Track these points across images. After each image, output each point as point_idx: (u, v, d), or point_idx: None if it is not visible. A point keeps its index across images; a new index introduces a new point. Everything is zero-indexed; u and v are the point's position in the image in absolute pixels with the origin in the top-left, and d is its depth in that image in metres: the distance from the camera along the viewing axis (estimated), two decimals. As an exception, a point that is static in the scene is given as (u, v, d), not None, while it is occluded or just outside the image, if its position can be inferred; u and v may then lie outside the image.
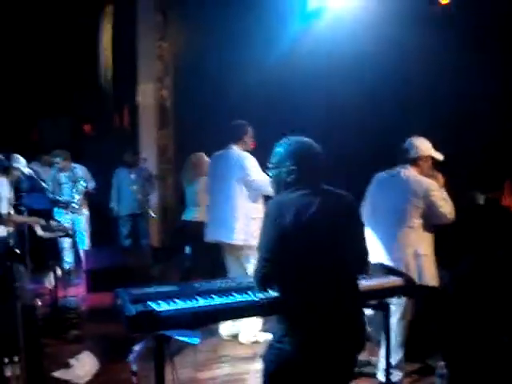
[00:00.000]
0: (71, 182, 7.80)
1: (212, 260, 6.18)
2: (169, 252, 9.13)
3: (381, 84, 7.04)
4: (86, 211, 8.10)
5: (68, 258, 7.87)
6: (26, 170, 6.01)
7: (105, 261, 7.38)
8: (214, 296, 2.99)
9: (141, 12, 9.32)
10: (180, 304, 2.88)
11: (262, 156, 4.75)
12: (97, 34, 9.19)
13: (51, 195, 7.60)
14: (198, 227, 5.86)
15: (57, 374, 4.71)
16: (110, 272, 7.20)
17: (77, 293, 7.10)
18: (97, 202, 8.37)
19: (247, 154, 5.08)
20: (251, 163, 5.00)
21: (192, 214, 6.30)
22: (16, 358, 4.55)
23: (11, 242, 5.69)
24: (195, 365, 4.78)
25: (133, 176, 8.47)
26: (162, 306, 2.82)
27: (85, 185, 7.73)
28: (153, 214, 8.71)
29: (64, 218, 7.47)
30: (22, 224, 6.03)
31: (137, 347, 3.29)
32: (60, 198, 7.66)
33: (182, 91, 9.55)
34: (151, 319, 2.75)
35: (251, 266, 4.96)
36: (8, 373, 4.41)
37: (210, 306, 2.91)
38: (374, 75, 7.10)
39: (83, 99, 9.21)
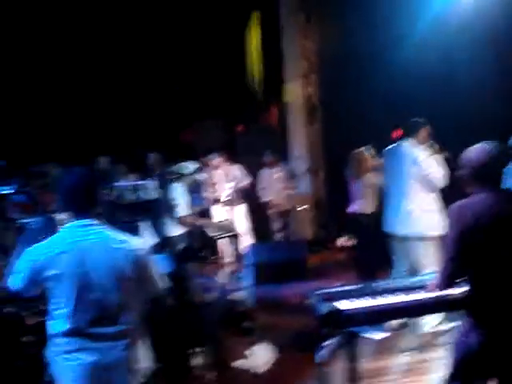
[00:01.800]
0: (224, 181, 8.19)
1: (376, 251, 6.34)
2: (323, 245, 9.42)
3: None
4: (242, 207, 8.46)
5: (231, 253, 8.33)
6: (196, 176, 6.58)
7: (265, 255, 7.78)
8: (397, 294, 3.16)
9: (285, 14, 9.64)
10: (364, 302, 3.09)
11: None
12: (245, 39, 9.63)
13: (208, 194, 8.11)
14: (364, 219, 6.27)
15: (236, 363, 5.12)
16: (271, 265, 7.60)
17: (244, 286, 7.52)
18: (251, 198, 8.73)
19: (421, 149, 5.30)
20: (425, 158, 5.20)
21: (358, 207, 6.47)
22: (199, 349, 5.06)
23: (186, 241, 6.27)
24: (374, 354, 4.85)
25: (275, 175, 8.77)
26: (349, 305, 3.04)
27: (241, 183, 8.07)
28: (301, 208, 8.98)
29: (222, 215, 7.91)
30: (195, 225, 6.60)
31: (327, 343, 3.53)
32: (216, 196, 8.09)
33: (327, 87, 9.75)
34: (338, 317, 2.99)
35: (422, 259, 5.19)
36: (193, 363, 4.90)
37: (396, 303, 3.10)
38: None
39: (234, 101, 9.73)
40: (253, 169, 8.79)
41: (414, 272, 5.28)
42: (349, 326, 3.02)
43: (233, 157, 8.70)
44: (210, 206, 8.15)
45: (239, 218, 8.26)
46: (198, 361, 4.85)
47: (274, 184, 8.88)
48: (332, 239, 9.45)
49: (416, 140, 5.39)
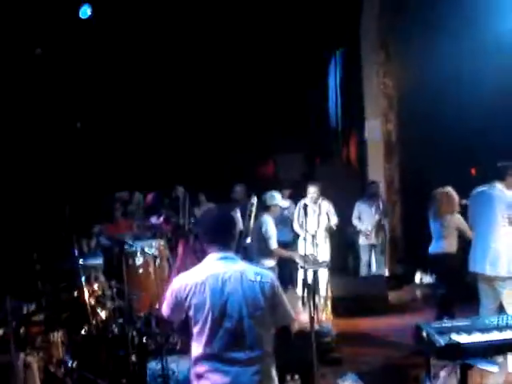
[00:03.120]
0: (316, 215, 8.29)
1: (459, 291, 6.43)
2: (400, 280, 9.47)
3: None
4: (328, 243, 8.53)
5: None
6: (283, 204, 6.83)
7: (347, 288, 7.94)
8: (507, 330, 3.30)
9: (365, 52, 9.93)
10: (479, 337, 3.24)
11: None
12: (327, 75, 9.97)
13: (295, 228, 8.28)
14: (447, 259, 6.35)
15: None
16: (352, 299, 7.75)
17: (325, 319, 7.66)
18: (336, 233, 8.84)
19: None
20: None
21: (439, 246, 6.54)
22: (296, 377, 5.24)
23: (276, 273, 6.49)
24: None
25: (374, 208, 8.95)
26: (465, 339, 3.20)
27: (331, 219, 8.21)
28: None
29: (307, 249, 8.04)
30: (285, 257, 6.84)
31: (442, 373, 3.67)
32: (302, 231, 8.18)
33: (406, 124, 9.92)
34: (457, 350, 3.14)
35: (507, 299, 5.30)
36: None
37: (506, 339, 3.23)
38: None
39: (314, 136, 10.02)
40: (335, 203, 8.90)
41: (501, 310, 5.40)
42: (466, 358, 3.16)
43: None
44: (295, 239, 8.29)
45: (324, 252, 8.20)
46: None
47: (369, 216, 9.01)
48: (409, 275, 9.50)
49: (505, 183, 5.52)
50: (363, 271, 9.07)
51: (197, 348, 2.95)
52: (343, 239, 9.43)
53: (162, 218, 7.46)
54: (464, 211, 6.39)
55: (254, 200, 7.28)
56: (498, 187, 5.55)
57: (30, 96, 8.13)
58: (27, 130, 8.13)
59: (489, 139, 8.46)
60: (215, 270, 2.97)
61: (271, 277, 3.05)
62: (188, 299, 2.92)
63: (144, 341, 5.48)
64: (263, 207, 6.93)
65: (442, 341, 3.17)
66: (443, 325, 3.45)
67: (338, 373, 5.66)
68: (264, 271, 3.07)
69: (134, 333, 5.24)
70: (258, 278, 2.97)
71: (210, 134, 10.23)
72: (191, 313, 2.94)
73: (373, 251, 9.10)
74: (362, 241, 9.12)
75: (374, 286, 8.18)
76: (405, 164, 10.13)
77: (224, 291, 2.91)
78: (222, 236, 3.07)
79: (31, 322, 3.94)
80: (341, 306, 7.77)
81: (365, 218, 9.02)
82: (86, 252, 8.15)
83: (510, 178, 5.51)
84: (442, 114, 9.12)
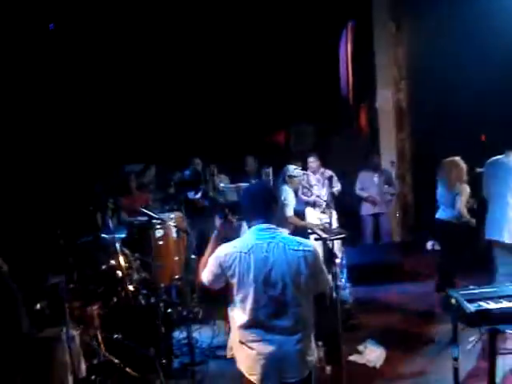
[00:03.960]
0: (321, 184, 8.43)
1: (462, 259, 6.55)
2: (412, 248, 9.59)
3: None
4: (334, 212, 8.66)
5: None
6: (301, 177, 6.94)
7: (361, 257, 8.06)
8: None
9: (376, 23, 9.92)
10: (506, 304, 3.36)
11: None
12: (339, 46, 9.95)
13: (304, 197, 8.37)
14: (453, 227, 6.45)
15: (352, 357, 5.44)
16: (367, 267, 7.88)
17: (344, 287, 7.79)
18: (342, 204, 8.93)
19: None
20: None
21: (447, 214, 6.60)
22: (320, 343, 5.38)
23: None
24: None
25: (376, 179, 9.03)
26: (497, 306, 3.31)
27: (335, 186, 8.22)
28: (397, 214, 9.17)
29: (315, 218, 8.16)
30: (300, 226, 6.96)
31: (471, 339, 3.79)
32: (311, 199, 8.30)
33: (417, 94, 9.96)
34: (486, 316, 3.26)
35: None
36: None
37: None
38: None
39: (326, 106, 10.03)
40: (344, 174, 9.00)
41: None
42: (496, 324, 3.29)
43: (325, 160, 8.90)
44: (304, 208, 8.38)
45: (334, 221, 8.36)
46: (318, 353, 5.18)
47: (373, 187, 9.12)
48: (420, 243, 9.63)
49: None
50: (368, 240, 9.19)
51: (240, 316, 3.06)
52: (346, 208, 9.43)
53: (199, 193, 7.53)
54: (478, 179, 6.49)
55: (269, 170, 7.37)
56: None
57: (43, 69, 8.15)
58: (44, 107, 8.16)
59: (500, 109, 8.49)
60: (259, 241, 3.06)
61: (312, 246, 3.15)
62: (232, 267, 3.02)
63: (169, 311, 5.65)
64: (283, 179, 7.05)
65: (471, 308, 3.28)
66: (471, 291, 3.55)
67: (357, 339, 5.81)
68: (305, 241, 3.17)
69: (161, 304, 5.38)
70: (301, 247, 3.07)
71: (221, 104, 10.22)
72: (235, 280, 3.03)
73: (378, 220, 9.20)
74: (364, 210, 9.23)
75: (389, 253, 8.30)
76: (416, 133, 10.18)
77: (268, 260, 3.01)
78: (265, 208, 3.16)
79: (71, 296, 4.05)
80: (356, 274, 7.89)
81: (368, 186, 9.11)
82: (100, 226, 8.30)
83: None
84: (452, 84, 9.14)
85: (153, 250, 6.00)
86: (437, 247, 9.58)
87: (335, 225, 8.16)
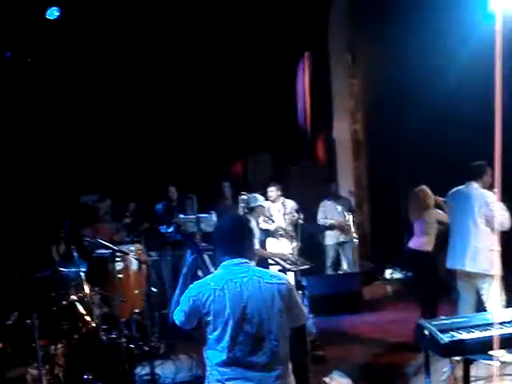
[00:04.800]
0: (281, 214, 8.41)
1: (436, 286, 6.65)
2: (370, 277, 9.65)
3: None
4: (295, 243, 8.63)
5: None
6: (265, 207, 6.92)
7: (321, 287, 8.04)
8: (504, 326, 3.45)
9: (333, 54, 10.12)
10: (477, 334, 3.38)
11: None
12: (296, 77, 10.10)
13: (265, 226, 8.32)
14: (425, 256, 6.53)
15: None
16: (327, 297, 7.86)
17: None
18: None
19: (489, 192, 5.59)
20: (493, 200, 5.47)
21: (421, 243, 6.69)
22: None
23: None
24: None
25: (339, 207, 9.10)
26: (466, 335, 3.33)
27: (296, 216, 8.25)
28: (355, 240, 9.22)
29: (275, 247, 8.11)
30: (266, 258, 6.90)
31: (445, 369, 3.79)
32: (272, 228, 8.25)
33: (372, 124, 10.14)
34: (460, 346, 3.28)
35: (486, 294, 5.56)
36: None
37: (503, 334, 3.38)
38: None
39: (283, 136, 10.12)
40: (303, 201, 9.00)
41: (479, 305, 5.62)
42: (469, 354, 3.30)
43: (284, 190, 8.90)
44: (265, 238, 8.34)
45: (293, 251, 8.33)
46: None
47: (336, 215, 9.15)
48: (378, 271, 9.71)
49: (481, 182, 5.73)
50: (329, 270, 9.21)
51: (216, 354, 2.97)
52: (308, 239, 9.44)
53: (172, 227, 7.40)
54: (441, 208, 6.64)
55: (244, 198, 7.28)
56: (474, 186, 5.76)
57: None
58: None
59: (456, 138, 8.67)
60: (232, 276, 3.01)
61: (286, 278, 3.11)
62: (207, 305, 2.94)
63: (131, 346, 5.49)
64: (246, 208, 7.00)
65: (445, 338, 3.29)
66: (443, 322, 3.57)
67: (322, 371, 5.75)
68: (279, 274, 3.17)
69: (123, 339, 5.23)
70: (275, 280, 3.03)
71: (178, 135, 10.20)
72: (209, 319, 2.95)
73: (340, 249, 9.25)
74: (328, 240, 9.25)
75: (348, 283, 8.31)
76: (372, 162, 10.34)
77: (243, 296, 2.95)
78: (238, 243, 3.12)
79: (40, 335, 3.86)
80: (317, 305, 7.85)
81: (331, 216, 9.15)
82: (56, 259, 8.05)
83: (485, 176, 5.72)
84: (408, 113, 9.30)
85: (111, 283, 5.90)
86: (396, 276, 9.73)
87: (296, 255, 8.22)
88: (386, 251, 9.97)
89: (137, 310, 6.44)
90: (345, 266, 9.28)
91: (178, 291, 3.15)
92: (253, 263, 3.15)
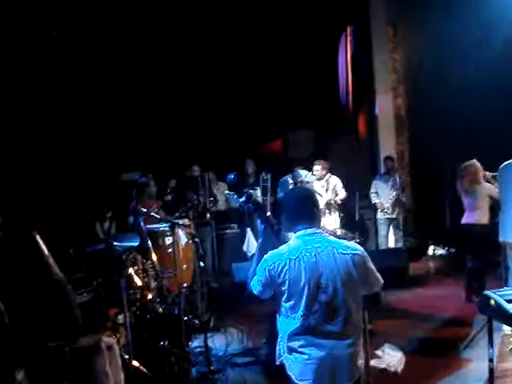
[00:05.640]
0: (324, 189, 8.38)
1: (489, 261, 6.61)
2: (413, 253, 9.59)
3: None
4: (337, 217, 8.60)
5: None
6: (309, 180, 6.91)
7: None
8: None
9: (374, 28, 9.98)
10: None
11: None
12: (337, 53, 10.00)
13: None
14: (480, 230, 6.59)
15: (372, 362, 5.38)
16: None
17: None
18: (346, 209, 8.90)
19: None
20: None
21: (474, 218, 6.65)
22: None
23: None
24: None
25: (391, 183, 9.06)
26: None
27: (341, 192, 8.26)
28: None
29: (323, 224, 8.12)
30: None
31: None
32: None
33: (415, 99, 10.01)
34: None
35: None
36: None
37: None
38: None
39: (325, 112, 10.04)
40: (346, 178, 8.95)
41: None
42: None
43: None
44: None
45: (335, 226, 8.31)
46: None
47: (386, 191, 9.14)
48: (422, 248, 9.66)
49: None
50: (382, 245, 9.18)
51: (290, 322, 3.00)
52: (352, 214, 9.42)
53: (244, 197, 7.42)
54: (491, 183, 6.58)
55: (267, 176, 7.29)
56: None
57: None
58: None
59: (495, 113, 8.56)
60: (307, 246, 3.03)
61: (360, 248, 3.13)
62: (282, 274, 2.97)
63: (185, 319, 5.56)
64: (294, 184, 7.01)
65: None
66: (507, 292, 3.56)
67: (373, 344, 5.75)
68: (352, 244, 3.16)
69: (176, 311, 5.31)
70: (349, 251, 3.05)
71: (219, 111, 10.17)
72: (284, 288, 2.97)
73: (391, 225, 9.21)
74: (379, 215, 9.22)
75: (395, 258, 8.26)
76: (414, 138, 10.24)
77: (318, 265, 2.97)
78: (310, 213, 3.14)
79: (107, 304, 3.95)
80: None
81: (382, 193, 9.13)
82: (100, 236, 8.16)
83: None
84: (449, 88, 9.21)
85: (162, 257, 5.98)
86: (438, 252, 9.67)
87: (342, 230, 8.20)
88: (428, 228, 9.90)
89: (185, 284, 6.51)
90: (391, 242, 9.24)
91: (254, 262, 3.18)
92: (325, 233, 3.16)
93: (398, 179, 9.16)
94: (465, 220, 6.78)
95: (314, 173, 8.25)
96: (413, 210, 10.40)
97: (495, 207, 6.50)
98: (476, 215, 6.62)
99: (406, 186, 10.23)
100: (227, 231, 9.26)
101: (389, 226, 9.23)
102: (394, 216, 9.15)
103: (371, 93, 10.09)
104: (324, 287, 2.96)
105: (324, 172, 8.31)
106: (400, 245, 9.14)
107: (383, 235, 9.20)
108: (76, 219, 7.59)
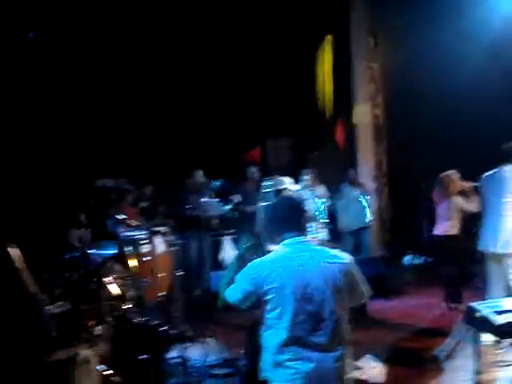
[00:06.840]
0: (313, 199, 8.33)
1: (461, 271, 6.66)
2: (389, 262, 9.58)
3: None
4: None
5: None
6: (294, 189, 6.86)
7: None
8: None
9: (354, 39, 10.02)
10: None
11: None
12: (316, 61, 10.01)
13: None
14: (451, 241, 6.69)
15: (351, 375, 5.32)
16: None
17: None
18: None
19: None
20: None
21: (445, 228, 6.71)
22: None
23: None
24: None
25: (356, 192, 9.04)
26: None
27: (325, 201, 8.21)
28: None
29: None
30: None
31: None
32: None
33: (394, 109, 10.06)
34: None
35: None
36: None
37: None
38: None
39: (303, 121, 10.05)
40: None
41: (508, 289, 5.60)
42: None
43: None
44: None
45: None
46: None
47: (352, 202, 9.09)
48: (398, 257, 9.67)
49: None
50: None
51: (275, 334, 2.91)
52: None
53: (230, 205, 7.35)
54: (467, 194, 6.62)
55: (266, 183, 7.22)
56: (506, 168, 5.70)
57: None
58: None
59: (474, 124, 8.64)
60: (293, 254, 2.95)
61: (348, 257, 3.05)
62: (267, 283, 2.88)
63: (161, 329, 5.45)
64: (274, 192, 6.94)
65: (500, 319, 3.26)
66: (496, 304, 3.55)
67: (353, 355, 5.70)
68: (340, 253, 3.07)
69: (154, 322, 5.20)
70: (336, 260, 2.98)
71: (199, 118, 10.11)
72: (269, 297, 2.89)
73: (360, 235, 9.20)
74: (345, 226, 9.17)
75: (373, 267, 8.22)
76: (392, 147, 10.28)
77: (304, 275, 2.90)
78: (297, 221, 3.07)
79: (85, 315, 3.83)
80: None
81: (347, 202, 9.09)
82: (75, 243, 8.00)
83: None
84: (427, 99, 9.30)
85: (140, 265, 5.87)
86: (415, 262, 9.70)
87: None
88: (405, 237, 9.94)
89: (163, 293, 6.41)
90: (364, 251, 9.22)
91: (229, 271, 3.10)
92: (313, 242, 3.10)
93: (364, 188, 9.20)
94: (435, 231, 6.89)
95: (305, 182, 8.29)
96: (390, 219, 10.41)
97: (467, 219, 6.57)
98: (446, 226, 6.72)
99: (383, 194, 10.29)
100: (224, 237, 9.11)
101: (358, 236, 9.17)
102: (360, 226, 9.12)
103: (350, 102, 10.09)
104: (310, 297, 2.88)
105: (313, 181, 8.32)
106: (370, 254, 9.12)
107: (351, 246, 9.14)
108: (50, 226, 7.42)
